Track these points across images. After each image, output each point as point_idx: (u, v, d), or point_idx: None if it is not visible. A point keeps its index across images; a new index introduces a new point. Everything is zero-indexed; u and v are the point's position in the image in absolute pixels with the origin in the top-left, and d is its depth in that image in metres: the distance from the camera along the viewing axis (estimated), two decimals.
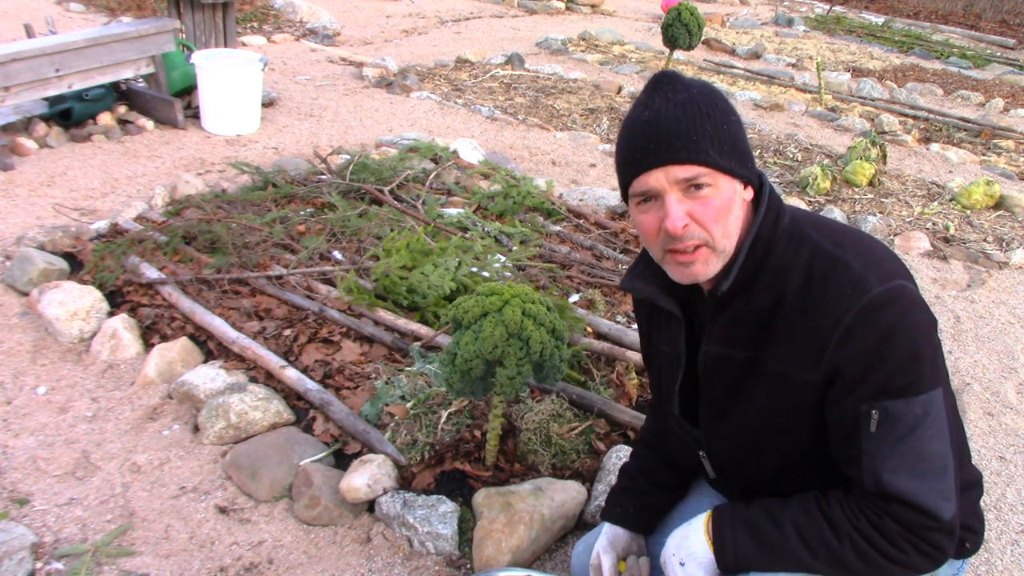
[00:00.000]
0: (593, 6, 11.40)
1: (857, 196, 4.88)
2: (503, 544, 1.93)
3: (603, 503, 1.59)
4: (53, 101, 4.62)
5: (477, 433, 2.28)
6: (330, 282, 3.09)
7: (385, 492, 2.10)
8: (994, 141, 6.47)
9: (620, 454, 2.22)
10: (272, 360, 2.58)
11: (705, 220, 1.12)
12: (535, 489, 2.08)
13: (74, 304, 2.81)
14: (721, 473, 1.39)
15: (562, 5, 11.22)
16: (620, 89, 6.94)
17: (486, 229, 3.59)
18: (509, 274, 3.13)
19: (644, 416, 2.26)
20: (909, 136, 6.28)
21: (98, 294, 2.90)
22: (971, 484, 1.33)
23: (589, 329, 2.86)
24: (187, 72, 5.10)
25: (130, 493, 2.15)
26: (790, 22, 11.92)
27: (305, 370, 2.61)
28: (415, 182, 4.11)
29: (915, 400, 1.08)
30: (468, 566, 1.98)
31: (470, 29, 9.27)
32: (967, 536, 1.29)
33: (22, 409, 2.45)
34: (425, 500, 2.07)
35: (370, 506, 2.13)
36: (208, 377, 2.51)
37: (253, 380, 2.56)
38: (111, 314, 2.88)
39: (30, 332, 2.83)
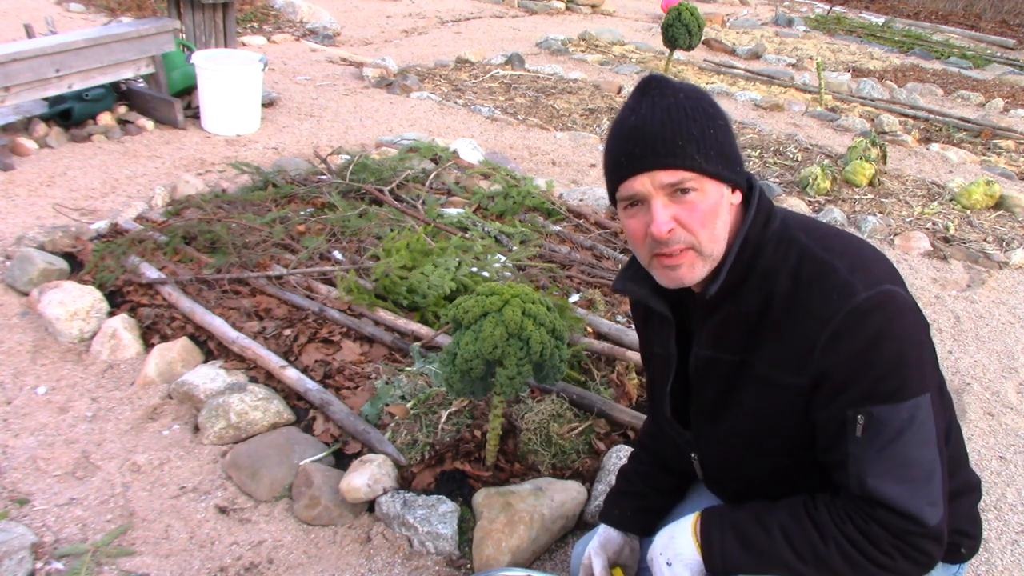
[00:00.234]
0: (593, 6, 11.41)
1: (857, 196, 4.88)
2: (503, 544, 1.93)
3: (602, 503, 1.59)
4: (53, 101, 4.62)
5: (477, 433, 2.28)
6: (330, 282, 3.09)
7: (385, 492, 2.10)
8: (994, 141, 6.47)
9: (620, 454, 2.22)
10: (272, 360, 2.58)
11: (691, 224, 1.12)
12: (535, 489, 2.08)
13: (74, 304, 2.81)
14: (712, 475, 1.39)
15: (562, 5, 11.22)
16: (620, 89, 6.94)
17: (486, 229, 3.59)
18: (509, 274, 3.13)
19: (644, 416, 2.26)
20: (909, 136, 6.29)
21: (98, 294, 2.90)
22: (968, 488, 1.33)
23: (589, 329, 2.87)
24: (187, 72, 5.10)
25: (130, 493, 2.15)
26: (790, 22, 11.92)
27: (305, 370, 2.61)
28: (415, 182, 4.11)
29: (901, 406, 1.08)
30: (468, 566, 1.98)
31: (470, 29, 9.27)
32: (963, 541, 1.29)
33: (22, 409, 2.46)
34: (425, 500, 2.07)
35: (370, 506, 2.13)
36: (208, 377, 2.51)
37: (253, 380, 2.56)
38: (111, 314, 2.88)
39: (30, 332, 2.83)
